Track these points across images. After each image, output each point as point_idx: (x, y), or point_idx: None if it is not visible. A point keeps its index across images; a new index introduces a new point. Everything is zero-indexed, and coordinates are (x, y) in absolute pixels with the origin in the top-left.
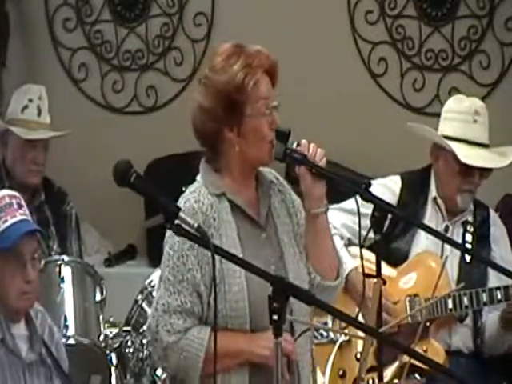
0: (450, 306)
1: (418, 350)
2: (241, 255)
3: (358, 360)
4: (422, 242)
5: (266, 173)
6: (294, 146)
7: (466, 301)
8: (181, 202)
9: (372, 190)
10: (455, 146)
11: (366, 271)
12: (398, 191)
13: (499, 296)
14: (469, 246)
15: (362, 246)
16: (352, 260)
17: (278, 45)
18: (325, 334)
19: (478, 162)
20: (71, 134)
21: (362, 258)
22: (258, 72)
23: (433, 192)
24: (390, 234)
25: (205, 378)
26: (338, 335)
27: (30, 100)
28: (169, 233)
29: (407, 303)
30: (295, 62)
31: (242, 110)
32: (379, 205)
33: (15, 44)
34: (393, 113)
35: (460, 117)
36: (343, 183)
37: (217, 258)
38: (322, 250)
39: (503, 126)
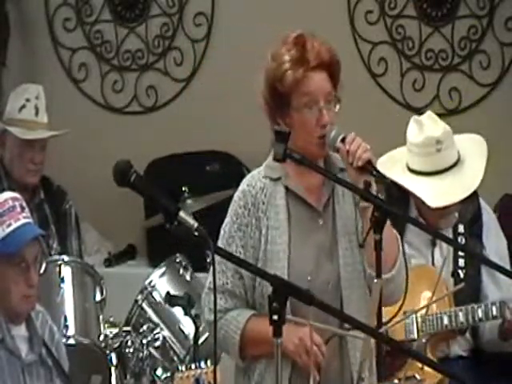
0: (446, 322)
1: (414, 367)
2: (286, 238)
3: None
4: (408, 258)
5: (338, 159)
6: (338, 141)
7: (461, 317)
8: (240, 185)
9: None
10: (422, 188)
11: None
12: None
13: (494, 312)
14: (461, 253)
15: (362, 246)
16: None
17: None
18: None
19: (448, 200)
20: (71, 134)
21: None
22: (303, 67)
23: (413, 212)
24: None
25: (248, 362)
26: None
27: (28, 100)
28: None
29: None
30: None
31: (288, 101)
32: (379, 205)
33: (15, 44)
34: (393, 113)
35: (422, 150)
36: (343, 183)
37: (262, 240)
38: (371, 244)
39: (503, 126)
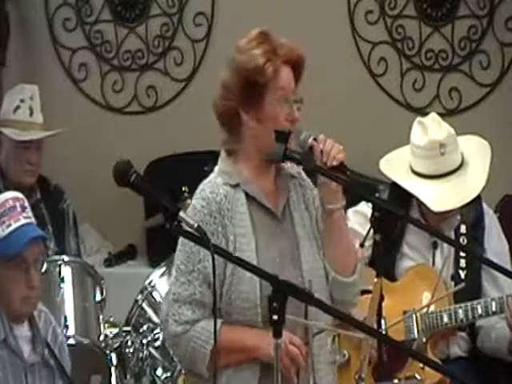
0: (446, 319)
1: (415, 367)
2: (254, 246)
3: (356, 380)
4: (408, 260)
5: (286, 166)
6: (311, 140)
7: (461, 314)
8: (197, 193)
9: (349, 218)
10: (425, 191)
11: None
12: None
13: (494, 308)
14: (463, 253)
15: (362, 246)
16: None
17: None
18: None
19: (450, 205)
20: (71, 134)
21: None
22: (279, 61)
23: (416, 214)
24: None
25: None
26: (338, 357)
27: (22, 100)
28: None
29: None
30: None
31: (261, 94)
32: (379, 204)
33: (15, 44)
34: (393, 113)
35: (426, 153)
36: (337, 180)
37: (230, 248)
38: (336, 246)
39: (503, 126)
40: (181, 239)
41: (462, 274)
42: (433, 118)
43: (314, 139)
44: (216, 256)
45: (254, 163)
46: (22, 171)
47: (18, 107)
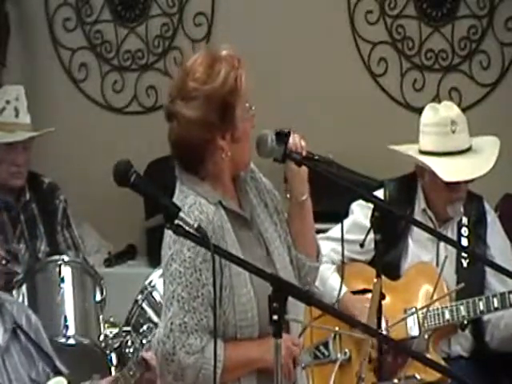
0: (447, 316)
1: (415, 366)
2: None
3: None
4: (413, 254)
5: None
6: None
7: (462, 310)
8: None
9: (354, 212)
10: (436, 163)
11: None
12: None
13: (496, 304)
14: (465, 243)
15: (362, 245)
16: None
17: (278, 45)
18: (326, 353)
19: (461, 177)
20: (71, 134)
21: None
22: (240, 70)
23: (422, 204)
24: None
25: None
26: (339, 354)
27: (7, 102)
28: (173, 249)
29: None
30: (295, 62)
31: (233, 113)
32: (379, 205)
33: (15, 44)
34: (393, 113)
35: (437, 129)
36: (347, 184)
37: (225, 268)
38: (309, 234)
39: (503, 126)
40: (174, 268)
41: (465, 263)
42: (444, 103)
43: (279, 134)
44: (217, 276)
45: (226, 182)
46: (8, 173)
47: (3, 109)
